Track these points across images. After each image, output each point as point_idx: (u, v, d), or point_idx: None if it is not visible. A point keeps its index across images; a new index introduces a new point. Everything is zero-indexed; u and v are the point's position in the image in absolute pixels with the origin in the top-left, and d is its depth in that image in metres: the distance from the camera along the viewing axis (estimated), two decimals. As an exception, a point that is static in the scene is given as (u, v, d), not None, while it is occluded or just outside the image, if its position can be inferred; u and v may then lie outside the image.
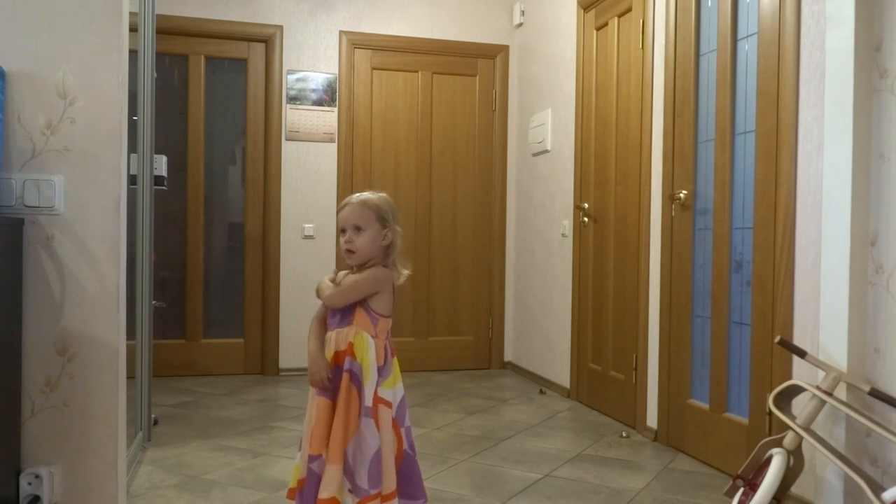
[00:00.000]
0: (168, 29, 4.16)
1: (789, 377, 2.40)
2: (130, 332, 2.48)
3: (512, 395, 4.19)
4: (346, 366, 1.84)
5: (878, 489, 1.83)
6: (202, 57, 4.59)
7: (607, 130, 3.76)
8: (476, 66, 5.00)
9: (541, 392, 4.25)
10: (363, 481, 1.79)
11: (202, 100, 4.59)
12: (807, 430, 2.03)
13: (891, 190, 1.98)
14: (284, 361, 4.62)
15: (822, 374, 2.06)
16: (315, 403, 1.86)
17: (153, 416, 3.18)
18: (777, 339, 2.18)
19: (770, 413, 2.48)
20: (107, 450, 1.93)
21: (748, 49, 2.74)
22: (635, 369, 3.42)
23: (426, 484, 2.01)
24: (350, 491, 1.82)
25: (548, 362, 4.43)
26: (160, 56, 3.69)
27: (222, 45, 4.61)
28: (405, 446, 1.91)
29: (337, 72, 4.72)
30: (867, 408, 2.00)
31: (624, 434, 3.33)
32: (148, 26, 2.90)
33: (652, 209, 3.31)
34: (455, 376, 4.74)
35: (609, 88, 3.75)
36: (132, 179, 2.67)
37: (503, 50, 5.02)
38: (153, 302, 3.08)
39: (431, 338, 4.92)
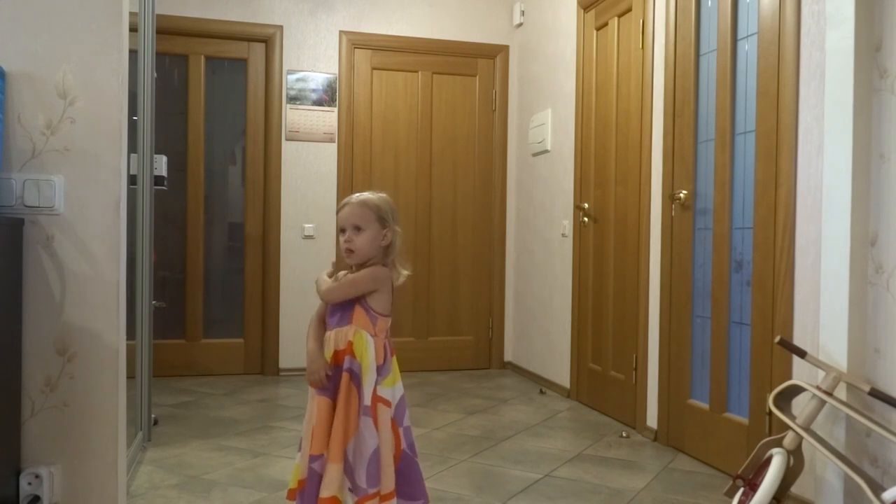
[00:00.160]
0: (168, 29, 4.16)
1: (789, 377, 2.40)
2: (130, 332, 2.48)
3: (512, 395, 4.19)
4: (346, 365, 1.84)
5: (878, 489, 1.83)
6: (202, 57, 4.59)
7: (607, 130, 3.76)
8: (476, 66, 5.00)
9: (541, 392, 4.25)
10: (362, 480, 1.79)
11: (202, 100, 4.59)
12: (807, 430, 2.03)
13: (891, 190, 1.98)
14: (284, 361, 4.62)
15: (822, 374, 2.06)
16: (315, 403, 1.86)
17: (153, 416, 3.18)
18: (777, 339, 2.18)
19: (770, 413, 2.48)
20: (107, 450, 1.93)
21: (748, 49, 2.74)
22: (635, 369, 3.42)
23: (426, 484, 2.01)
24: (350, 490, 1.82)
25: (548, 362, 4.43)
26: (160, 56, 3.69)
27: (222, 45, 4.61)
28: (404, 446, 1.91)
29: (337, 72, 4.72)
30: (867, 408, 2.00)
31: (624, 434, 3.33)
32: (148, 26, 2.90)
33: (652, 209, 3.31)
34: (455, 376, 4.74)
35: (609, 88, 3.75)
36: (132, 179, 2.67)
37: (503, 50, 5.02)
38: (153, 302, 3.08)
39: (431, 338, 4.92)
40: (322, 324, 1.93)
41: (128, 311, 2.07)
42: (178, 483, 2.60)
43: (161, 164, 3.16)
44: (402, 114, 4.87)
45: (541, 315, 4.55)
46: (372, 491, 1.79)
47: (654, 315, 3.28)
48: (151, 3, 2.97)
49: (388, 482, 1.83)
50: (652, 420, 3.27)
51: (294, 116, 4.65)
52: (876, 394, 1.91)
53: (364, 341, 1.85)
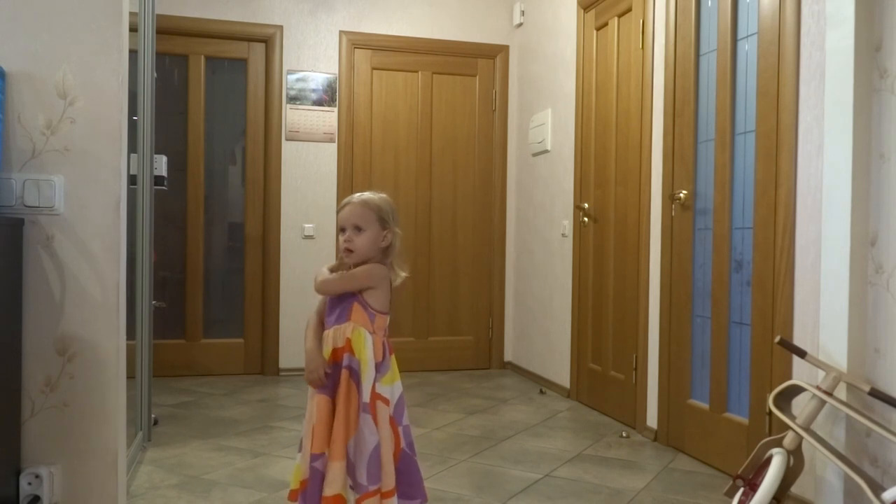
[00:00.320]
0: (168, 29, 4.16)
1: (789, 377, 2.40)
2: (130, 332, 2.48)
3: (512, 395, 4.19)
4: (345, 362, 1.84)
5: (878, 489, 1.83)
6: (202, 57, 4.59)
7: (607, 130, 3.76)
8: (476, 66, 5.00)
9: (541, 392, 4.25)
10: (363, 478, 1.79)
11: (202, 100, 4.59)
12: (807, 430, 2.03)
13: (891, 190, 1.98)
14: (284, 361, 4.62)
15: (822, 374, 2.06)
16: (315, 402, 1.86)
17: (153, 416, 3.18)
18: (777, 339, 2.18)
19: (770, 413, 2.48)
20: (107, 450, 1.93)
21: (748, 49, 2.74)
22: (635, 369, 3.42)
23: (426, 484, 2.01)
24: (351, 487, 1.82)
25: (548, 362, 4.43)
26: (160, 56, 3.69)
27: (222, 45, 4.61)
28: (403, 445, 1.91)
29: (337, 72, 4.72)
30: (867, 408, 2.00)
31: (624, 434, 3.33)
32: (148, 26, 2.90)
33: (652, 209, 3.31)
34: (455, 376, 4.74)
35: (609, 88, 3.75)
36: (132, 179, 2.67)
37: (503, 50, 5.02)
38: (153, 302, 3.08)
39: (431, 338, 4.92)
40: (321, 322, 1.93)
41: (128, 311, 2.07)
42: (178, 483, 2.60)
43: (161, 164, 3.15)
44: (402, 114, 4.87)
45: (541, 315, 4.55)
46: (373, 488, 1.79)
47: (654, 315, 3.28)
48: (151, 3, 2.97)
49: (389, 479, 1.83)
50: (652, 420, 3.27)
51: (294, 116, 4.65)
52: (876, 394, 1.91)
53: (362, 338, 1.85)
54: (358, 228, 1.89)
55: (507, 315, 5.03)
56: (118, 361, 1.94)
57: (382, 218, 1.91)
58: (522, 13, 4.89)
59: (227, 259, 4.71)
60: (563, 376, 4.20)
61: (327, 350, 1.87)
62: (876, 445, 2.00)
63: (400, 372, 1.97)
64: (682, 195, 3.06)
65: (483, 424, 3.52)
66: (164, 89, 4.23)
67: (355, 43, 4.75)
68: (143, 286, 2.91)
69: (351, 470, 1.82)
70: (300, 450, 1.92)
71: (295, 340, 4.59)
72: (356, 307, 1.87)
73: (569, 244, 4.16)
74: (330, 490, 1.77)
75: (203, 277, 4.61)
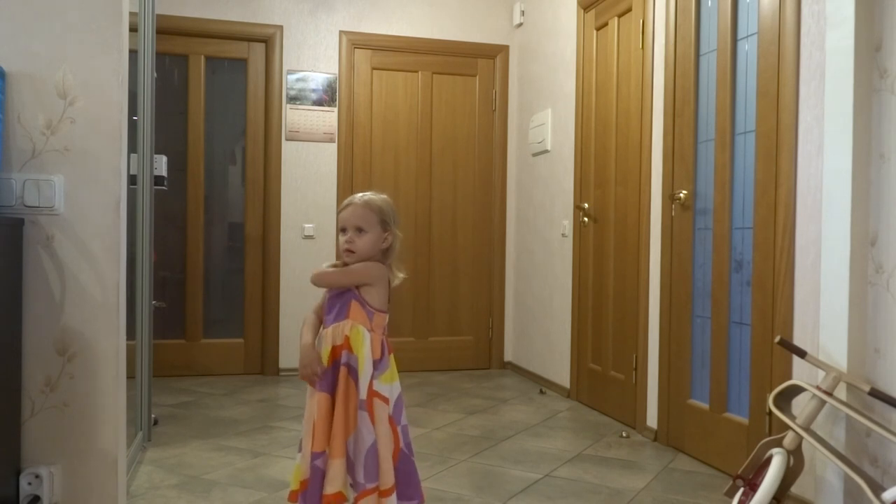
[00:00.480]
0: (168, 29, 4.16)
1: (789, 377, 2.40)
2: (130, 332, 2.48)
3: (512, 395, 4.19)
4: (343, 359, 1.84)
5: (878, 489, 1.83)
6: (202, 57, 4.59)
7: (607, 130, 3.76)
8: (476, 66, 5.00)
9: (541, 392, 4.25)
10: (360, 475, 1.79)
11: (202, 100, 4.59)
12: (807, 430, 2.03)
13: (891, 190, 1.98)
14: (284, 361, 4.62)
15: (822, 374, 2.06)
16: (315, 400, 1.86)
17: (153, 416, 3.18)
18: (777, 339, 2.18)
19: (770, 413, 2.48)
20: (107, 450, 1.93)
21: (748, 49, 2.74)
22: (635, 369, 3.42)
23: (426, 484, 2.02)
24: (351, 486, 1.82)
25: (548, 362, 4.43)
26: (160, 56, 3.69)
27: (222, 45, 4.61)
28: (401, 445, 1.91)
29: (337, 72, 4.72)
30: (867, 408, 2.00)
31: (624, 434, 3.33)
32: (148, 26, 2.90)
33: (652, 209, 3.31)
34: (455, 376, 4.74)
35: (609, 88, 3.75)
36: (132, 179, 2.67)
37: (503, 50, 5.02)
38: (153, 302, 3.08)
39: (431, 338, 4.92)
40: (319, 320, 1.94)
41: (128, 311, 2.07)
42: (178, 483, 2.60)
43: (161, 164, 3.15)
44: (402, 114, 4.87)
45: (541, 315, 4.55)
46: (370, 486, 1.79)
47: (654, 315, 3.28)
48: (151, 3, 2.97)
49: (387, 478, 1.83)
50: (652, 420, 3.27)
51: (294, 116, 4.65)
52: (876, 394, 1.91)
53: (361, 335, 1.85)
54: (360, 230, 1.89)
55: (507, 315, 5.03)
56: (118, 361, 1.94)
57: (384, 220, 1.91)
58: (522, 13, 4.89)
59: (227, 259, 4.71)
60: (563, 376, 4.20)
61: (326, 348, 1.87)
62: (876, 445, 2.00)
63: (400, 372, 1.97)
64: (682, 195, 3.06)
65: (483, 424, 3.52)
66: (164, 89, 4.23)
67: (355, 43, 4.75)
68: (143, 286, 2.91)
69: (350, 468, 1.82)
70: (300, 450, 1.92)
71: (295, 340, 4.54)
72: (354, 305, 1.87)
73: (569, 244, 4.16)
74: (331, 488, 1.78)
75: (203, 277, 4.61)
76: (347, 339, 1.85)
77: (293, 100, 4.65)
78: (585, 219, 3.96)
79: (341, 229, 1.93)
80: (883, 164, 2.01)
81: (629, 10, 3.54)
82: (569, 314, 4.14)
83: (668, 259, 3.18)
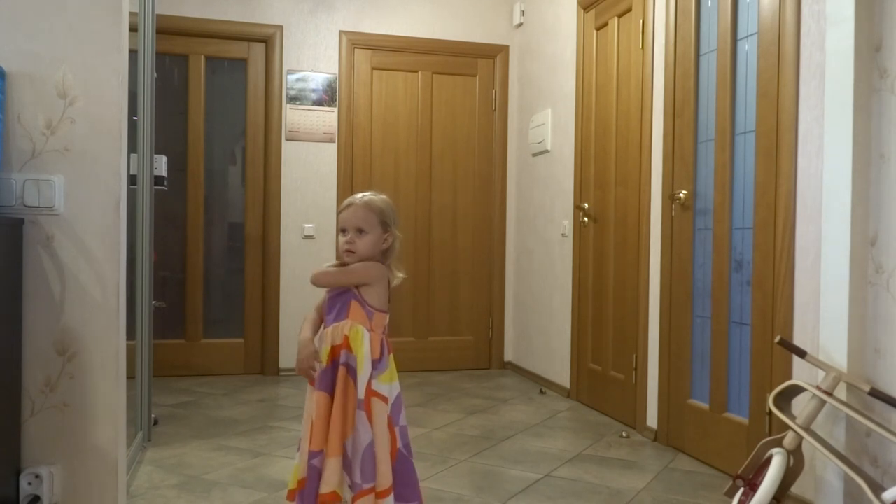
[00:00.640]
0: (168, 29, 4.16)
1: (789, 377, 2.40)
2: (130, 332, 2.48)
3: (512, 395, 4.19)
4: (342, 359, 1.84)
5: (878, 489, 1.83)
6: (202, 57, 4.59)
7: (607, 130, 3.76)
8: (476, 66, 5.00)
9: (541, 392, 4.25)
10: (357, 476, 1.79)
11: (202, 100, 4.59)
12: (807, 430, 2.03)
13: (891, 190, 1.98)
14: (284, 361, 4.62)
15: (822, 374, 2.06)
16: (314, 399, 1.86)
17: (153, 416, 3.18)
18: (777, 339, 2.18)
19: (770, 413, 2.48)
20: (107, 450, 1.93)
21: (748, 49, 2.74)
22: (635, 369, 3.42)
23: (425, 484, 2.01)
24: (349, 486, 1.82)
25: (548, 362, 4.43)
26: (160, 56, 3.69)
27: (222, 45, 4.61)
28: (399, 445, 1.91)
29: (337, 72, 4.72)
30: (867, 408, 2.00)
31: (624, 434, 3.33)
32: (148, 26, 2.90)
33: (652, 209, 3.31)
34: (455, 376, 4.74)
35: (609, 88, 3.75)
36: (132, 179, 2.67)
37: (503, 50, 5.02)
38: (153, 302, 3.08)
39: (431, 338, 4.92)
40: (320, 318, 1.94)
41: (128, 311, 2.07)
42: (178, 483, 2.60)
43: (161, 164, 3.15)
44: (402, 114, 4.87)
45: (541, 315, 4.55)
46: (367, 486, 1.79)
47: (654, 315, 3.28)
48: (151, 3, 2.97)
49: (384, 478, 1.82)
50: (652, 420, 3.27)
51: (294, 116, 4.65)
52: (876, 394, 1.91)
53: (360, 335, 1.85)
54: (360, 231, 1.89)
55: (507, 315, 5.03)
56: (118, 361, 1.94)
57: (384, 220, 1.92)
58: (522, 13, 4.89)
59: (227, 259, 4.71)
60: (563, 376, 4.20)
61: (326, 348, 1.87)
62: (876, 445, 2.00)
63: (399, 372, 1.97)
64: (682, 195, 3.06)
65: (483, 424, 3.52)
66: (164, 89, 4.23)
67: (355, 43, 4.75)
68: (143, 286, 2.91)
69: (348, 468, 1.82)
70: (299, 449, 1.92)
71: (295, 340, 4.54)
72: (354, 305, 1.88)
73: (569, 244, 4.16)
74: (326, 487, 1.77)
75: (203, 277, 4.61)
76: (347, 338, 1.85)
77: (293, 100, 4.65)
78: (585, 219, 3.96)
79: (341, 230, 1.93)
80: (883, 164, 2.01)
81: (629, 10, 3.54)
82: (569, 314, 4.14)
83: (668, 259, 3.18)
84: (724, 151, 2.83)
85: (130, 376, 2.45)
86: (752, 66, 2.70)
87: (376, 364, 1.86)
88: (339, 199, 4.60)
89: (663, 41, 3.24)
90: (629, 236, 3.52)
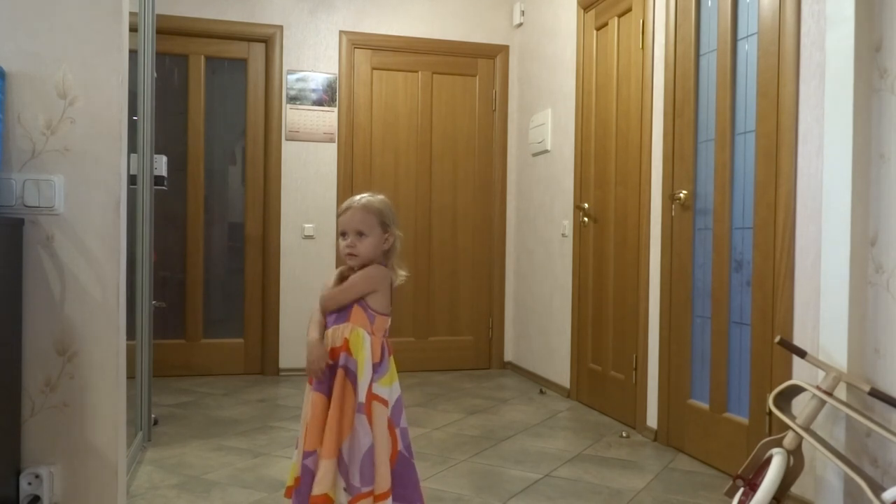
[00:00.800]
0: (168, 29, 4.15)
1: (789, 377, 2.40)
2: (130, 332, 2.48)
3: (512, 395, 4.19)
4: (342, 362, 1.84)
5: (878, 489, 1.83)
6: (202, 57, 4.59)
7: (607, 130, 3.76)
8: (476, 66, 5.00)
9: (541, 392, 4.25)
10: (355, 479, 1.79)
11: (202, 100, 4.59)
12: (807, 430, 2.03)
13: (891, 190, 1.98)
14: (284, 361, 4.62)
15: (822, 374, 2.06)
16: (311, 400, 1.86)
17: (153, 416, 3.18)
18: (777, 339, 2.18)
19: (770, 413, 2.48)
20: (107, 450, 1.93)
21: (748, 49, 2.74)
22: (635, 369, 3.42)
23: (426, 484, 2.01)
24: (345, 489, 1.81)
25: (548, 362, 4.43)
26: (160, 56, 3.68)
27: (222, 45, 4.61)
28: (400, 447, 1.91)
29: (337, 72, 4.72)
30: (867, 408, 2.00)
31: (624, 434, 3.33)
32: (148, 26, 2.90)
33: (652, 209, 3.31)
34: (455, 376, 4.74)
35: (609, 89, 3.75)
36: (132, 179, 2.67)
37: (503, 50, 5.02)
38: (153, 302, 3.08)
39: (431, 338, 4.92)
40: (324, 317, 1.94)
41: (128, 311, 2.07)
42: (178, 483, 2.60)
43: (161, 164, 3.15)
44: (402, 114, 4.87)
45: (541, 315, 4.55)
46: (366, 490, 1.79)
47: (654, 315, 3.28)
48: (151, 3, 2.96)
49: (383, 482, 1.82)
50: (652, 420, 3.27)
51: (294, 116, 4.65)
52: (876, 394, 1.91)
53: (360, 338, 1.85)
54: (360, 234, 1.90)
55: (507, 315, 5.03)
56: (118, 361, 1.94)
57: (384, 221, 1.92)
58: (522, 13, 4.89)
59: (227, 259, 4.71)
60: (563, 376, 4.20)
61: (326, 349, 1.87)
62: (876, 445, 2.00)
63: (399, 372, 1.97)
64: (682, 195, 3.06)
65: (483, 424, 3.52)
66: (164, 89, 4.23)
67: (355, 43, 4.75)
68: (143, 286, 2.91)
69: (345, 471, 1.81)
70: (297, 447, 1.92)
71: (295, 340, 4.59)
72: (356, 308, 1.88)
73: (569, 244, 4.16)
74: (318, 489, 1.77)
75: (203, 277, 4.61)
76: (347, 341, 1.85)
77: (293, 100, 4.65)
78: (585, 219, 3.96)
79: (341, 233, 1.93)
80: (883, 164, 2.01)
81: (629, 10, 3.54)
82: (569, 314, 4.14)
83: (668, 259, 3.18)
84: (724, 151, 2.83)
85: (130, 376, 2.45)
86: (752, 66, 2.70)
87: (377, 368, 1.86)
88: (339, 199, 4.60)
89: (663, 41, 3.24)
90: (629, 236, 3.52)
